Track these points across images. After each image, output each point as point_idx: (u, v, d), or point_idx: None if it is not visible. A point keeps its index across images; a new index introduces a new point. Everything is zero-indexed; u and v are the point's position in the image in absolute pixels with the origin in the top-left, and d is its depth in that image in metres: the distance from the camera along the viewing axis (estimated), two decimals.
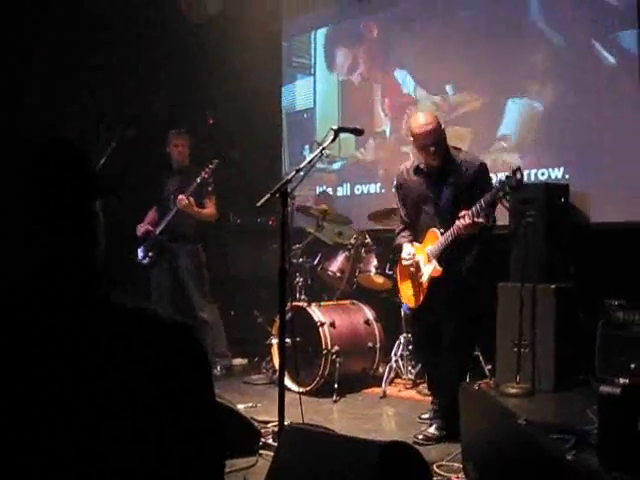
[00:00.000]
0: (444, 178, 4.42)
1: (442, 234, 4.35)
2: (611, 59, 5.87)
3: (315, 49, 8.25)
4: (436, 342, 4.48)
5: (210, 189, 6.31)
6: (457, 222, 4.21)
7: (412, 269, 4.54)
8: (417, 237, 4.60)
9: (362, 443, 2.99)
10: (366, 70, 7.73)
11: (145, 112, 7.12)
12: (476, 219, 4.12)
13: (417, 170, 4.55)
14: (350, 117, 7.48)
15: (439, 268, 4.37)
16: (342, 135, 4.05)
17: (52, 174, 1.43)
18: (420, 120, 4.38)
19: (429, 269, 4.43)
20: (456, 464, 3.76)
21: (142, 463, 1.31)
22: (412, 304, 4.64)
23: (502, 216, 5.75)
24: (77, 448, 1.28)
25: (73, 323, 1.34)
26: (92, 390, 1.30)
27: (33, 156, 1.45)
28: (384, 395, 5.57)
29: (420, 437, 4.37)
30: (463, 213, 4.17)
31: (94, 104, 6.80)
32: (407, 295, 4.69)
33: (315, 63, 8.23)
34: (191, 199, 6.09)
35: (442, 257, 4.37)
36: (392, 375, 5.79)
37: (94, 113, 6.71)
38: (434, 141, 4.31)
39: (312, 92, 8.25)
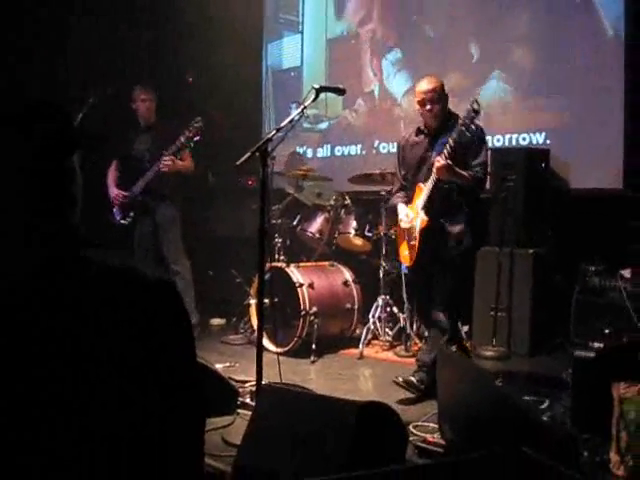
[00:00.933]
0: (440, 137, 4.53)
1: (425, 186, 4.49)
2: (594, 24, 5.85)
3: (303, 5, 8.10)
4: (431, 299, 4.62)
5: (183, 140, 6.16)
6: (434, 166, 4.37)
7: (409, 230, 4.63)
8: (412, 197, 4.68)
9: (340, 403, 3.01)
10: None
11: (124, 70, 7.02)
12: (444, 160, 4.27)
13: (418, 131, 4.72)
14: (338, 77, 7.33)
15: (425, 218, 4.47)
16: (329, 95, 4.04)
17: (26, 129, 1.39)
18: (424, 80, 4.59)
19: (418, 221, 4.52)
20: (432, 424, 3.80)
21: (128, 427, 1.30)
22: (408, 263, 4.73)
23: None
24: (64, 414, 1.27)
25: (55, 283, 1.32)
26: (77, 352, 1.29)
27: (10, 112, 1.41)
28: (361, 356, 5.61)
29: (400, 379, 4.56)
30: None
31: (75, 61, 6.69)
32: (404, 255, 4.77)
33: (303, 21, 8.09)
34: (173, 158, 5.95)
35: (428, 208, 4.47)
36: (370, 337, 5.82)
37: (74, 71, 6.60)
38: (433, 100, 4.49)
39: (299, 50, 8.12)
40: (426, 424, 3.86)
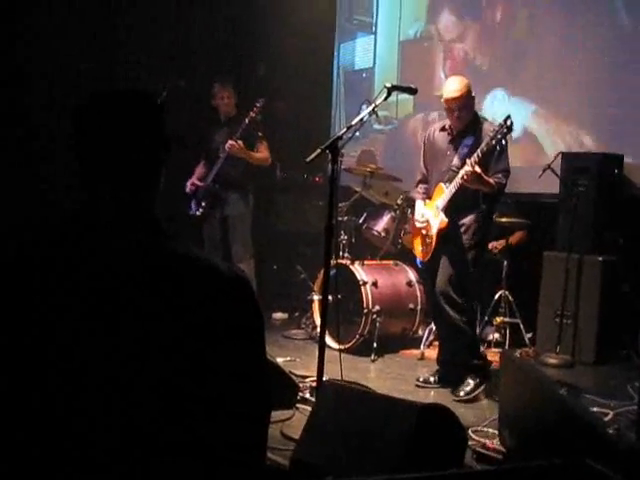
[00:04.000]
0: (463, 139, 4.63)
1: (447, 188, 4.57)
2: None
3: (377, 7, 8.03)
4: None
5: (260, 134, 6.24)
6: (460, 171, 4.41)
7: (424, 230, 4.74)
8: (430, 192, 4.81)
9: (401, 404, 3.01)
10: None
11: (197, 63, 7.12)
12: (477, 168, 4.30)
13: (443, 128, 4.81)
14: (410, 79, 7.18)
15: (445, 219, 4.57)
16: (400, 96, 4.04)
17: (129, 124, 1.44)
18: (450, 85, 4.64)
19: (437, 222, 4.62)
20: (492, 430, 3.76)
21: (195, 414, 1.32)
22: (423, 258, 4.83)
23: (553, 184, 5.70)
24: (122, 376, 1.30)
25: (127, 252, 1.36)
26: (147, 332, 1.32)
27: (110, 106, 1.45)
28: (422, 357, 5.58)
29: (421, 379, 4.82)
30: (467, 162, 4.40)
31: (147, 55, 6.81)
32: (418, 249, 4.87)
33: (377, 21, 8.04)
34: (240, 142, 6.06)
35: (448, 210, 4.57)
36: (431, 338, 5.78)
37: (147, 64, 6.72)
38: (458, 106, 4.56)
39: (372, 51, 8.05)
40: (486, 429, 3.82)
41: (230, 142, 6.01)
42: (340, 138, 3.75)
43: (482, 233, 4.67)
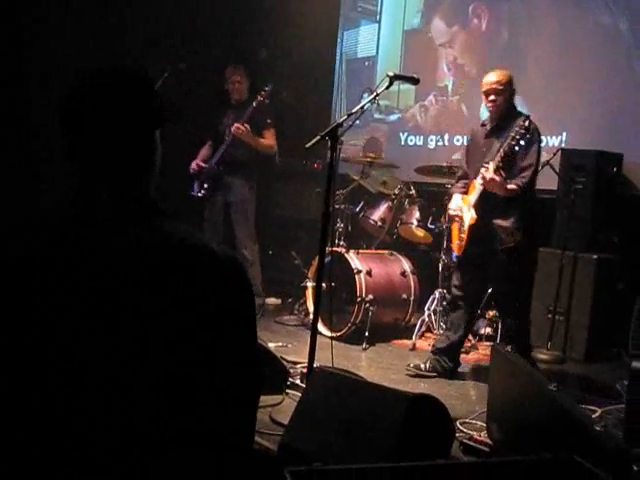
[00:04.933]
0: (498, 134, 4.65)
1: (478, 184, 4.61)
2: None
3: None
4: (468, 295, 4.82)
5: (269, 121, 6.25)
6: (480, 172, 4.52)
7: (457, 219, 4.78)
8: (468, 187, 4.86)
9: (391, 393, 3.02)
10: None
11: (199, 47, 7.08)
12: (495, 176, 4.40)
13: (483, 124, 4.89)
14: (412, 69, 7.18)
15: (474, 216, 4.60)
16: (402, 86, 4.04)
17: (119, 100, 1.42)
18: (493, 72, 4.71)
19: (468, 217, 4.66)
20: (480, 422, 3.78)
21: (184, 395, 1.32)
22: (458, 252, 4.86)
23: (551, 180, 5.70)
24: (123, 375, 1.30)
25: (126, 249, 1.35)
26: (139, 313, 1.31)
27: (100, 82, 1.43)
28: (414, 348, 5.59)
29: (411, 366, 4.85)
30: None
31: (148, 41, 6.77)
32: (455, 243, 4.91)
33: (381, 10, 8.00)
34: (247, 126, 6.06)
35: (479, 207, 4.60)
36: (423, 329, 5.79)
37: (148, 50, 6.69)
38: (497, 91, 4.61)
39: (375, 40, 8.03)
40: (474, 422, 3.84)
41: (236, 125, 6.01)
42: (340, 125, 3.74)
43: (520, 236, 4.60)
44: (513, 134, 4.39)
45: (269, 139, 6.27)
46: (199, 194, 6.29)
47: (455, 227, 4.85)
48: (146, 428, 1.30)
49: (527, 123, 4.40)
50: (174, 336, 1.31)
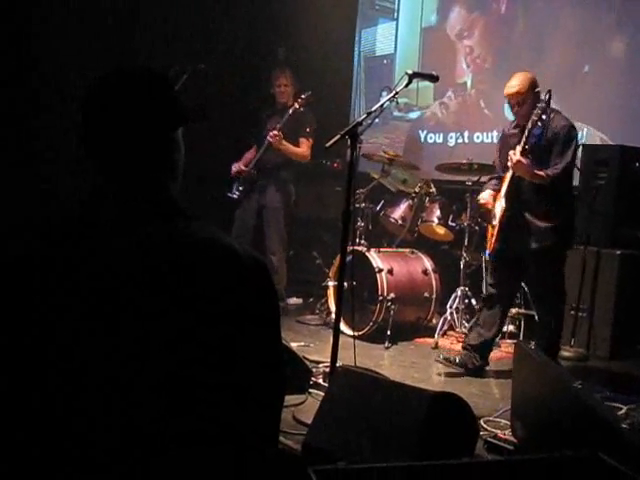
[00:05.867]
0: (532, 130, 4.56)
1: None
2: None
3: None
4: (503, 293, 4.82)
5: (308, 130, 6.27)
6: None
7: (487, 211, 4.84)
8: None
9: (413, 391, 3.01)
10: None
11: (217, 48, 7.10)
12: (522, 158, 4.40)
13: (516, 125, 4.80)
14: (431, 66, 7.10)
15: (504, 205, 4.60)
16: (420, 84, 4.03)
17: (135, 100, 1.42)
18: (511, 81, 4.65)
19: (499, 208, 4.67)
20: (504, 421, 3.76)
21: (209, 394, 1.32)
22: (489, 248, 4.85)
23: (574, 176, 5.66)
24: (123, 375, 1.30)
25: (127, 249, 1.35)
26: (140, 312, 1.31)
27: (116, 83, 1.44)
28: (436, 346, 5.57)
29: (441, 356, 4.93)
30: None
31: (166, 41, 6.80)
32: (489, 241, 4.88)
33: (399, 7, 7.96)
34: (280, 133, 6.07)
35: (508, 196, 4.60)
36: (446, 327, 5.77)
37: (166, 51, 6.71)
38: (517, 102, 4.58)
39: (393, 37, 7.97)
40: (497, 420, 3.82)
41: (273, 132, 6.03)
42: (360, 124, 3.74)
43: (555, 238, 4.58)
44: (534, 116, 4.39)
45: (304, 148, 6.29)
46: (234, 195, 6.33)
47: (489, 222, 4.86)
48: (146, 428, 1.30)
49: (547, 97, 4.39)
50: (176, 334, 1.31)
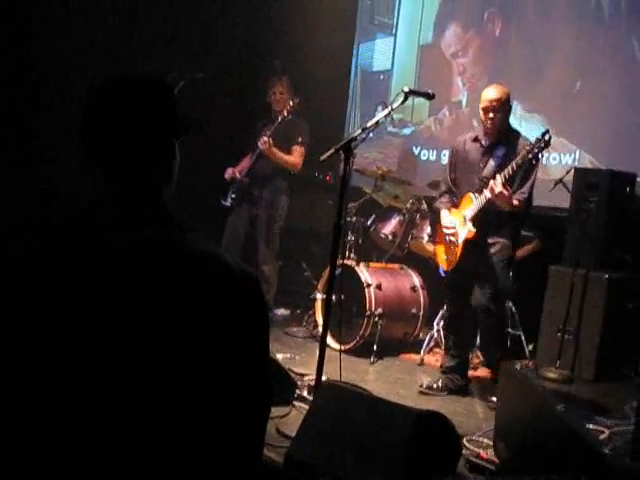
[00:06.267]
0: (496, 150, 4.68)
1: (476, 199, 4.61)
2: None
3: (399, 9, 7.98)
4: (464, 311, 4.82)
5: (300, 139, 6.26)
6: (490, 182, 4.45)
7: (452, 237, 4.75)
8: (457, 202, 4.86)
9: (398, 409, 3.01)
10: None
11: (213, 58, 7.12)
12: (504, 189, 4.35)
13: (475, 139, 4.84)
14: (427, 83, 7.14)
15: (473, 230, 4.61)
16: (416, 100, 4.04)
17: (140, 108, 1.43)
18: (491, 88, 4.73)
19: (464, 231, 4.66)
20: (486, 440, 3.75)
21: (184, 398, 1.32)
22: (447, 267, 4.86)
23: (564, 199, 5.69)
24: (123, 376, 1.30)
25: (127, 249, 1.35)
26: (139, 313, 1.31)
27: (121, 89, 1.45)
28: (421, 362, 5.57)
29: (424, 386, 4.81)
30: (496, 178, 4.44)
31: (164, 52, 6.82)
32: (442, 258, 4.92)
33: (397, 23, 8.00)
34: (270, 140, 6.05)
35: (477, 221, 4.60)
36: (432, 344, 5.78)
37: (164, 61, 6.72)
38: (494, 108, 4.60)
39: (391, 53, 8.00)
40: (480, 439, 3.81)
41: (263, 139, 6.01)
42: (354, 139, 3.75)
43: (513, 249, 4.73)
44: (529, 147, 4.36)
45: (295, 157, 6.27)
46: (226, 203, 6.32)
47: (442, 239, 4.87)
48: (146, 428, 1.30)
49: (547, 137, 4.34)
50: (174, 339, 1.31)
